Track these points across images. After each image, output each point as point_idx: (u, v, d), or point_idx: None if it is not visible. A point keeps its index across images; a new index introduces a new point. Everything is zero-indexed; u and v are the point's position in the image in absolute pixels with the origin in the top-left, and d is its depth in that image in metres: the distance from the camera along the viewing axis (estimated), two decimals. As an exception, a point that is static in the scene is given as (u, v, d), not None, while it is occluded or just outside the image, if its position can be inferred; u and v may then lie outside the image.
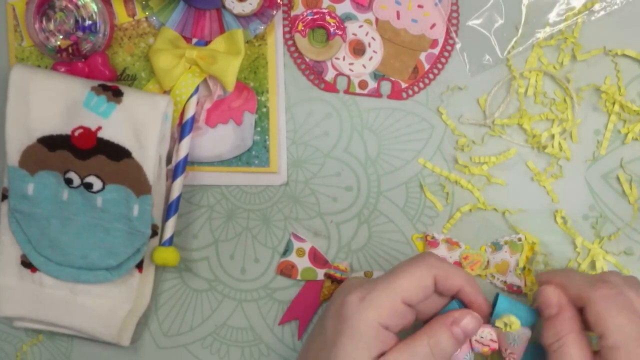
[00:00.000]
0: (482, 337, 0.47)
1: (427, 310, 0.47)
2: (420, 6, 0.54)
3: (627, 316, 0.43)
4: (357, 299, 0.45)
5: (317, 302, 0.55)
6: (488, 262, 0.54)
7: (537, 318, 0.47)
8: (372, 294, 0.44)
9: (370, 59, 0.54)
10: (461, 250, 0.53)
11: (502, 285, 0.53)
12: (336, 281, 0.54)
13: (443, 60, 0.54)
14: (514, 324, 0.46)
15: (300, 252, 0.55)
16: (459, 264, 0.53)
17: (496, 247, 0.54)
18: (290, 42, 0.55)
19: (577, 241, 0.54)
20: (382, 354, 0.44)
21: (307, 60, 0.55)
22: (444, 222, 0.54)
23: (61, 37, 0.53)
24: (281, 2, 0.54)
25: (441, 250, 0.53)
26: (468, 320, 0.45)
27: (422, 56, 0.54)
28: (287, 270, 0.55)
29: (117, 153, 0.50)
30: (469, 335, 0.46)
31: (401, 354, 0.44)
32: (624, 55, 0.53)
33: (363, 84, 0.55)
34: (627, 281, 0.46)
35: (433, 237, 0.53)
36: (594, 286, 0.44)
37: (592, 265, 0.54)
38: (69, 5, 0.53)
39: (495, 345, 0.47)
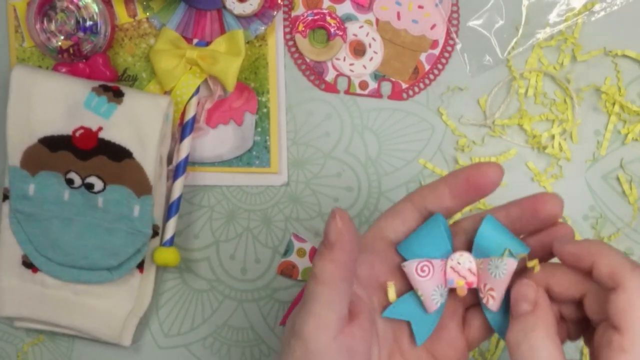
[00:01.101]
0: (459, 264, 0.37)
1: None
2: (420, 7, 0.54)
3: None
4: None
5: None
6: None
7: (527, 252, 0.37)
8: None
9: (371, 59, 0.55)
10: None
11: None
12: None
13: (443, 60, 0.54)
14: (497, 247, 0.37)
15: (301, 253, 0.55)
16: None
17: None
18: (290, 43, 0.55)
19: (577, 241, 0.54)
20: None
21: (308, 60, 0.55)
22: (444, 223, 0.55)
23: (62, 37, 0.53)
24: (282, 3, 0.54)
25: None
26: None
27: (423, 57, 0.54)
28: (287, 271, 0.56)
29: (118, 153, 0.50)
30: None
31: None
32: (624, 56, 0.53)
33: (363, 85, 0.55)
34: None
35: None
36: (636, 270, 0.34)
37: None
38: (70, 6, 0.53)
39: (472, 280, 0.37)
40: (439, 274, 0.37)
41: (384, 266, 0.38)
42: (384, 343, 0.38)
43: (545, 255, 0.37)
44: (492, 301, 0.37)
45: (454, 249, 0.38)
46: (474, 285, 0.37)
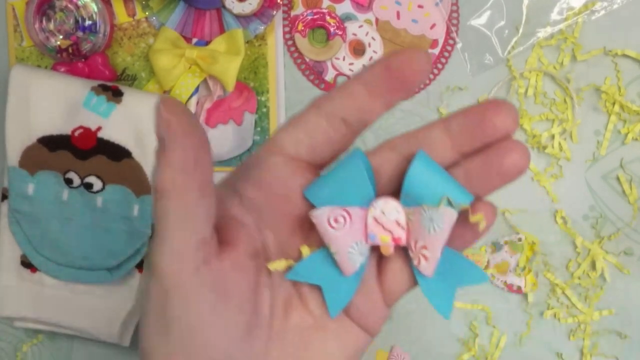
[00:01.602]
0: (383, 214, 0.28)
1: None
2: (420, 6, 0.54)
3: None
4: None
5: None
6: (488, 262, 0.54)
7: (470, 200, 0.28)
8: None
9: (370, 59, 0.54)
10: None
11: (502, 285, 0.53)
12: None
13: (443, 60, 0.54)
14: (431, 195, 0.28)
15: (300, 253, 0.55)
16: None
17: (496, 247, 0.54)
18: (290, 42, 0.55)
19: (577, 241, 0.54)
20: None
21: (307, 60, 0.55)
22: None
23: (61, 37, 0.53)
24: (281, 2, 0.54)
25: None
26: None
27: (422, 56, 0.54)
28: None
29: (117, 153, 0.50)
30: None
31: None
32: (624, 56, 0.53)
33: (363, 84, 0.55)
34: None
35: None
36: None
37: (592, 265, 0.54)
38: (69, 6, 0.53)
39: (400, 235, 0.28)
40: (358, 227, 0.28)
41: (282, 189, 0.29)
42: (280, 288, 0.29)
43: (486, 182, 0.28)
44: (425, 263, 0.28)
45: (378, 195, 0.29)
46: (403, 243, 0.28)
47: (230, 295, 0.27)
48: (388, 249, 0.28)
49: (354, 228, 0.28)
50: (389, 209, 0.28)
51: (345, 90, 0.28)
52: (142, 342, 0.28)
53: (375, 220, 0.28)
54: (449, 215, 0.27)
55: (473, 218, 0.27)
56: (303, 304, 0.30)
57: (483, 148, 0.27)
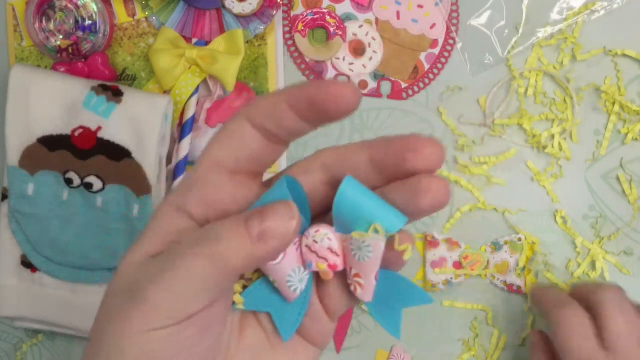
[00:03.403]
0: (315, 242, 0.28)
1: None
2: (420, 6, 0.54)
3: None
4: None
5: (348, 311, 0.55)
6: (488, 262, 0.54)
7: (402, 224, 0.27)
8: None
9: (370, 59, 0.54)
10: (461, 251, 0.53)
11: (502, 285, 0.53)
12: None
13: (443, 60, 0.54)
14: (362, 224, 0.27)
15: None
16: (458, 264, 0.53)
17: (496, 247, 0.54)
18: (290, 42, 0.55)
19: (577, 241, 0.54)
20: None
21: (307, 60, 0.55)
22: (443, 222, 0.54)
23: (61, 37, 0.53)
24: (281, 2, 0.54)
25: (441, 251, 0.53)
26: (281, 208, 0.27)
27: (422, 56, 0.54)
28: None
29: (117, 153, 0.50)
30: (276, 235, 0.26)
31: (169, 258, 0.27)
32: (624, 55, 0.53)
33: (363, 84, 0.55)
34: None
35: (433, 237, 0.53)
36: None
37: (592, 265, 0.54)
38: (69, 5, 0.53)
39: (336, 261, 0.28)
40: (293, 255, 0.28)
41: (231, 204, 0.28)
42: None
43: (408, 214, 0.27)
44: (361, 290, 0.28)
45: (314, 217, 0.28)
46: (339, 268, 0.28)
47: (196, 323, 0.26)
48: (327, 274, 0.28)
49: (289, 257, 0.28)
50: (321, 237, 0.28)
51: (272, 105, 0.27)
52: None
53: (309, 248, 0.28)
54: (378, 244, 0.26)
55: (399, 247, 0.26)
56: (257, 321, 0.30)
57: (408, 176, 0.26)
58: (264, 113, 0.27)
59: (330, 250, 0.28)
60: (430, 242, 0.53)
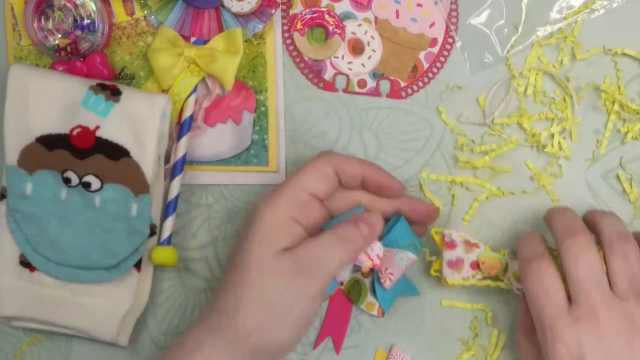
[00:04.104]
0: (372, 250, 0.49)
1: (338, 207, 0.50)
2: (419, 5, 0.54)
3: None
4: (264, 197, 0.48)
5: (347, 311, 0.55)
6: (507, 267, 0.51)
7: (420, 253, 0.52)
8: (277, 190, 0.47)
9: (370, 58, 0.54)
10: (480, 252, 0.51)
11: (519, 292, 0.51)
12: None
13: (442, 59, 0.54)
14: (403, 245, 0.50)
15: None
16: (476, 265, 0.51)
17: (516, 256, 0.50)
18: (289, 41, 0.55)
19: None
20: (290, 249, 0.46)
21: (306, 59, 0.55)
22: (444, 222, 0.54)
23: (60, 36, 0.53)
24: (280, 1, 0.54)
25: (459, 252, 0.51)
26: (373, 217, 0.48)
27: (422, 55, 0.54)
28: None
29: (115, 152, 0.50)
30: (375, 232, 0.48)
31: (307, 244, 0.46)
32: (624, 55, 0.53)
33: (362, 83, 0.55)
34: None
35: (451, 238, 0.51)
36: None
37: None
38: (68, 5, 0.53)
39: (377, 263, 0.49)
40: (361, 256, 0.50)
41: (318, 215, 0.49)
42: None
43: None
44: (389, 282, 0.51)
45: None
46: (377, 266, 0.50)
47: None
48: (366, 269, 0.53)
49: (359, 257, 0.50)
50: (376, 248, 0.50)
51: (350, 166, 0.49)
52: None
53: (365, 252, 0.50)
54: (412, 258, 0.51)
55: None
56: None
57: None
58: (344, 167, 0.48)
59: (377, 256, 0.50)
60: (448, 244, 0.51)
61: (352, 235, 0.47)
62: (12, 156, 0.51)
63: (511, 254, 0.51)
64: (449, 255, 0.51)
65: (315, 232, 0.48)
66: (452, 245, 0.51)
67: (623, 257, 0.45)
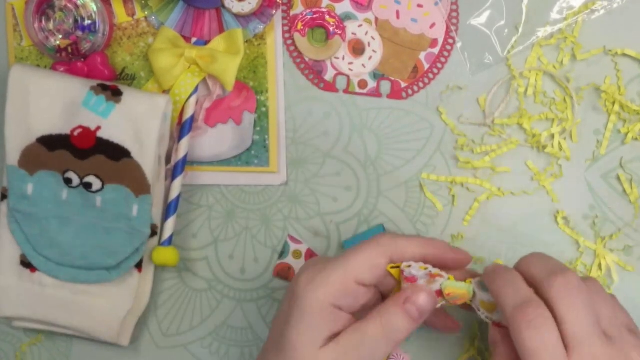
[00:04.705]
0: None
1: (391, 287, 0.47)
2: (420, 6, 0.54)
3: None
4: (308, 278, 0.44)
5: None
6: (475, 294, 0.47)
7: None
8: (322, 273, 0.44)
9: (370, 58, 0.54)
10: (443, 281, 0.46)
11: (488, 320, 0.47)
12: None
13: (443, 59, 0.54)
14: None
15: (297, 254, 0.55)
16: (440, 292, 0.46)
17: (483, 286, 0.46)
18: (289, 42, 0.55)
19: (580, 241, 0.53)
20: (336, 335, 0.44)
21: (307, 59, 0.55)
22: (444, 222, 0.54)
23: (60, 36, 0.53)
24: (280, 2, 0.54)
25: (420, 284, 0.46)
26: (423, 298, 0.44)
27: (422, 56, 0.54)
28: (283, 273, 0.55)
29: (116, 153, 0.50)
30: (424, 313, 0.44)
31: (353, 334, 0.44)
32: (624, 55, 0.53)
33: (362, 84, 0.55)
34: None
35: (410, 273, 0.46)
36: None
37: (599, 266, 0.54)
38: (69, 5, 0.53)
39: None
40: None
41: (363, 298, 0.46)
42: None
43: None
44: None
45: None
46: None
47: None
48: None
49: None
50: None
51: (410, 250, 0.47)
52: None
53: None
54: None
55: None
56: None
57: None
58: (407, 255, 0.46)
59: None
60: (407, 278, 0.46)
61: (399, 326, 0.44)
62: (13, 156, 0.51)
63: (478, 283, 0.46)
64: (406, 287, 0.46)
65: (361, 308, 0.46)
66: (412, 279, 0.46)
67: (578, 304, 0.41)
